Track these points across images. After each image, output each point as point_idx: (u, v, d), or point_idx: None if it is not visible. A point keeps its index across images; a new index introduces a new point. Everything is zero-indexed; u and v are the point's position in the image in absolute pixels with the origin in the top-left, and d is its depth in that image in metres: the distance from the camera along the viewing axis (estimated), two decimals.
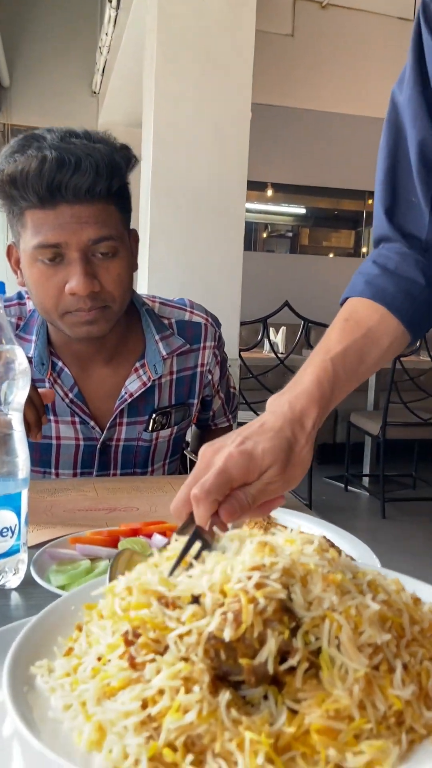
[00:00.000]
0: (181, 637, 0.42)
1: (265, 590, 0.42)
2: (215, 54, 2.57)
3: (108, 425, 1.28)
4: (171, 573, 0.49)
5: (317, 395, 0.71)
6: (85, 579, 0.74)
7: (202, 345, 1.37)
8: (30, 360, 1.23)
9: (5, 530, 0.74)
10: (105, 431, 1.28)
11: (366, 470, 4.45)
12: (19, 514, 0.76)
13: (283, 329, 4.14)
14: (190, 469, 1.51)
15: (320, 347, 0.78)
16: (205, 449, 0.67)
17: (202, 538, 0.56)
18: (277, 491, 0.65)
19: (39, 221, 1.10)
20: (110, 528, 0.90)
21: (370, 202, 5.94)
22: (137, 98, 3.12)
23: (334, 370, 0.74)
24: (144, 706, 0.39)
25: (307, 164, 5.63)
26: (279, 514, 0.93)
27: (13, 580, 0.77)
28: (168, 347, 1.31)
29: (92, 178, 1.07)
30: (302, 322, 3.68)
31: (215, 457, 0.64)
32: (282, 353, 3.91)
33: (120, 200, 1.16)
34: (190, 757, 0.37)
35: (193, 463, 1.49)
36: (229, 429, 1.55)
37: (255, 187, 5.03)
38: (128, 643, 0.43)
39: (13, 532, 0.75)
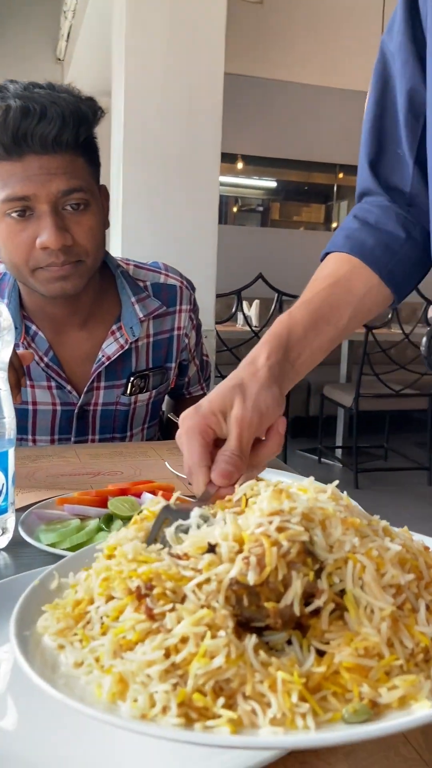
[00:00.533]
0: (199, 585, 0.41)
1: (287, 533, 0.41)
2: (186, 17, 2.50)
3: (85, 389, 1.25)
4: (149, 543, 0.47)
5: (268, 339, 0.70)
6: (77, 536, 0.72)
7: (178, 308, 1.35)
8: None
9: None
10: (82, 396, 1.25)
11: (339, 442, 4.49)
12: (6, 474, 0.73)
13: (256, 302, 4.12)
14: (170, 434, 1.49)
15: (300, 302, 0.77)
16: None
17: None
18: (251, 436, 0.62)
19: (6, 174, 1.06)
20: (98, 489, 0.87)
21: (341, 175, 5.91)
22: (105, 65, 3.02)
23: (290, 316, 0.73)
24: (167, 655, 0.38)
25: (278, 136, 5.55)
26: (264, 474, 0.92)
27: (2, 540, 0.74)
28: (145, 309, 1.28)
29: (58, 127, 1.04)
30: (276, 295, 3.66)
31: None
32: (256, 326, 3.89)
33: (88, 152, 1.13)
34: (221, 701, 0.36)
35: (174, 425, 1.47)
36: (202, 398, 1.53)
37: (225, 159, 4.94)
38: (141, 597, 0.42)
39: (0, 492, 0.72)
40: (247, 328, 3.81)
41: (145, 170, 2.53)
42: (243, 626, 0.40)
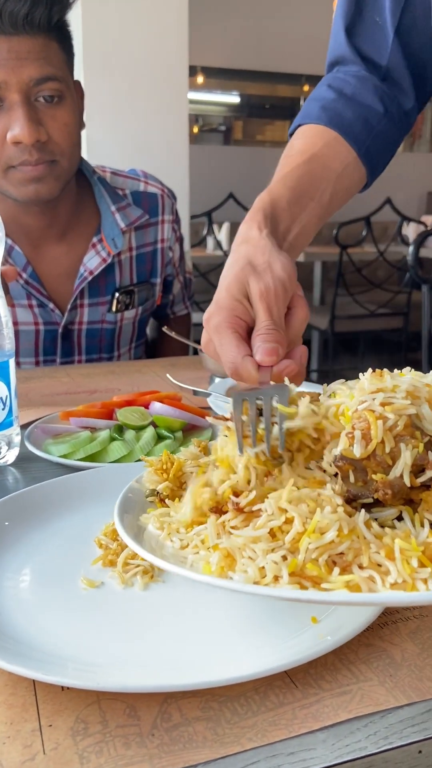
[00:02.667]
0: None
1: (392, 407, 0.39)
2: None
3: (69, 307, 1.19)
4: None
5: (253, 215, 0.64)
6: (91, 446, 0.69)
7: (160, 218, 1.28)
8: None
9: None
10: (66, 314, 1.20)
11: (315, 366, 4.50)
12: (9, 385, 0.69)
13: (226, 225, 4.00)
14: (160, 353, 1.45)
15: (277, 173, 0.72)
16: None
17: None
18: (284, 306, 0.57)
19: None
20: (102, 401, 0.84)
21: (306, 88, 5.67)
22: None
23: (270, 192, 0.67)
24: (272, 535, 0.38)
25: (239, 45, 5.27)
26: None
27: (9, 456, 0.71)
28: (126, 219, 1.21)
29: (30, 4, 0.95)
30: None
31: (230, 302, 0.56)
32: (227, 250, 3.80)
33: (62, 38, 1.03)
34: (336, 571, 0.36)
35: (165, 340, 1.42)
36: (187, 317, 1.49)
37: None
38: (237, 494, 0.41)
39: (4, 404, 0.68)
40: (219, 252, 3.72)
41: (107, 80, 2.38)
42: (349, 504, 0.40)
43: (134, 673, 0.38)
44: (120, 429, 0.75)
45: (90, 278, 1.18)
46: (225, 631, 0.42)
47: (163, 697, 0.36)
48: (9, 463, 0.71)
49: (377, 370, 0.43)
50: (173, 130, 2.50)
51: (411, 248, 1.90)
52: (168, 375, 1.00)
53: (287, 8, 5.09)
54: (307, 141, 0.75)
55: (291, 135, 0.80)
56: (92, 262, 1.19)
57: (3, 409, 0.68)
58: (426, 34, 0.78)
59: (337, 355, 3.86)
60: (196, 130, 5.95)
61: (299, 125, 0.79)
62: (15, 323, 1.18)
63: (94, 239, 1.19)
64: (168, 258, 1.32)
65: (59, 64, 1.02)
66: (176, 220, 1.33)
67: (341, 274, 3.46)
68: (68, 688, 0.37)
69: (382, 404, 0.39)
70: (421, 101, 0.83)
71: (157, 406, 0.79)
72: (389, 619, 0.43)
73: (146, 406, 0.81)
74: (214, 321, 0.56)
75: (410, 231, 3.78)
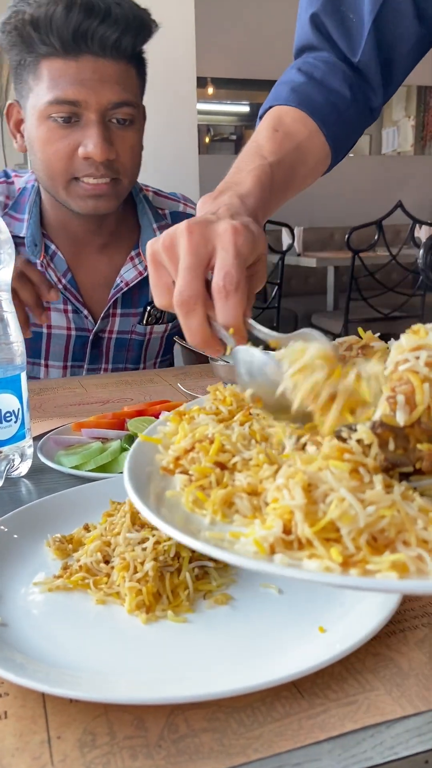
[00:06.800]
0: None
1: None
2: None
3: (102, 315, 1.23)
4: None
5: (261, 196, 0.65)
6: (101, 457, 0.69)
7: None
8: (22, 240, 1.17)
9: (8, 414, 0.68)
10: (98, 322, 1.23)
11: None
12: (21, 398, 0.70)
13: None
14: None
15: (253, 153, 0.71)
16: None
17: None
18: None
19: (58, 72, 1.00)
20: (114, 411, 0.84)
21: None
22: None
23: (273, 176, 0.68)
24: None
25: (248, 55, 5.29)
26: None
27: (22, 467, 0.71)
28: None
29: (120, 31, 1.00)
30: None
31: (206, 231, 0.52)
32: None
33: (140, 64, 1.09)
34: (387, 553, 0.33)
35: (174, 348, 1.43)
36: None
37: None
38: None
39: (17, 417, 0.69)
40: None
41: None
42: (386, 473, 0.37)
43: (142, 684, 0.38)
44: (131, 439, 0.76)
45: (125, 289, 1.22)
46: (231, 642, 0.42)
47: (170, 708, 0.37)
48: (22, 474, 0.72)
49: (414, 326, 0.39)
50: (183, 143, 2.52)
51: (421, 251, 1.89)
52: (179, 384, 1.00)
53: (294, 18, 5.11)
54: (293, 126, 0.75)
55: (261, 117, 0.80)
56: (129, 274, 1.22)
57: (15, 422, 0.69)
58: (404, 29, 0.78)
59: None
60: (207, 140, 5.98)
61: (270, 106, 0.79)
62: (49, 326, 1.23)
63: (132, 252, 1.23)
64: None
65: (135, 90, 1.08)
66: None
67: (354, 278, 3.45)
68: (76, 700, 0.37)
69: (427, 364, 0.36)
70: (385, 99, 0.84)
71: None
72: (397, 627, 0.43)
73: (157, 416, 0.81)
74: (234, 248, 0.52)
75: (423, 234, 3.76)
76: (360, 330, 0.49)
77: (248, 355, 0.47)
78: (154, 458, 0.48)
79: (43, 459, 0.71)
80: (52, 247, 1.19)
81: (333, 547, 0.33)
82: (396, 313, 3.71)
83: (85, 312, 1.22)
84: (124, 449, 0.72)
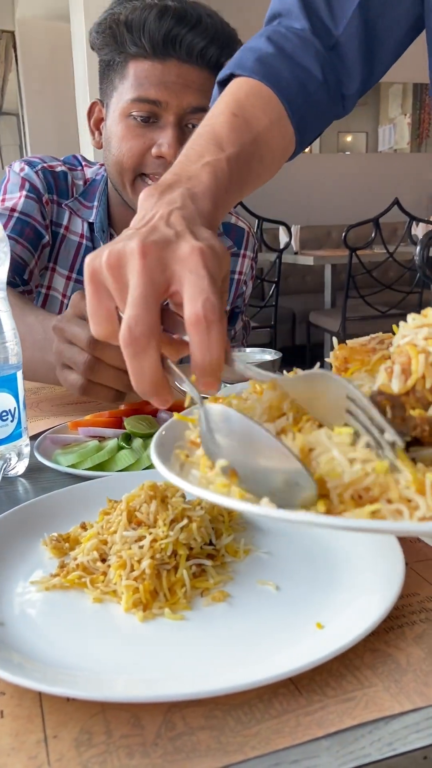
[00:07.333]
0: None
1: None
2: None
3: None
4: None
5: (216, 197, 0.56)
6: (98, 455, 0.69)
7: (242, 252, 1.36)
8: (91, 226, 1.22)
9: (5, 414, 0.68)
10: None
11: (327, 369, 4.49)
12: (17, 397, 0.69)
13: None
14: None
15: (207, 141, 0.61)
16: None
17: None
18: None
19: (144, 73, 1.05)
20: (110, 410, 0.84)
21: None
22: None
23: (230, 173, 0.59)
24: None
25: None
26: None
27: (19, 467, 0.71)
28: None
29: (208, 40, 1.04)
30: (257, 222, 3.57)
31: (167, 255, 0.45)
32: None
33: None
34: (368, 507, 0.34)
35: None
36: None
37: None
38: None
39: (13, 416, 0.69)
40: None
41: None
42: None
43: (139, 683, 0.38)
44: (128, 438, 0.75)
45: None
46: (229, 639, 0.42)
47: (167, 706, 0.36)
48: (19, 474, 0.72)
49: (423, 310, 0.42)
50: None
51: (418, 248, 1.89)
52: (176, 383, 1.00)
53: None
54: (253, 112, 0.66)
55: (221, 83, 0.74)
56: None
57: (12, 421, 0.69)
58: (396, 11, 0.71)
59: None
60: None
61: (232, 74, 0.72)
62: None
63: None
64: (241, 291, 1.37)
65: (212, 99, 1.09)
66: (254, 259, 1.39)
67: (351, 276, 3.45)
68: (73, 699, 0.37)
69: (426, 338, 0.38)
70: (361, 90, 0.77)
71: (164, 415, 0.79)
72: (395, 623, 0.43)
73: (154, 414, 0.81)
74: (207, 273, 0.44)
75: (419, 231, 3.76)
76: (394, 326, 0.48)
77: (223, 417, 0.42)
78: (183, 434, 0.48)
79: (40, 458, 0.71)
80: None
81: (320, 500, 0.35)
82: (393, 311, 3.70)
83: None
84: (121, 447, 0.72)
